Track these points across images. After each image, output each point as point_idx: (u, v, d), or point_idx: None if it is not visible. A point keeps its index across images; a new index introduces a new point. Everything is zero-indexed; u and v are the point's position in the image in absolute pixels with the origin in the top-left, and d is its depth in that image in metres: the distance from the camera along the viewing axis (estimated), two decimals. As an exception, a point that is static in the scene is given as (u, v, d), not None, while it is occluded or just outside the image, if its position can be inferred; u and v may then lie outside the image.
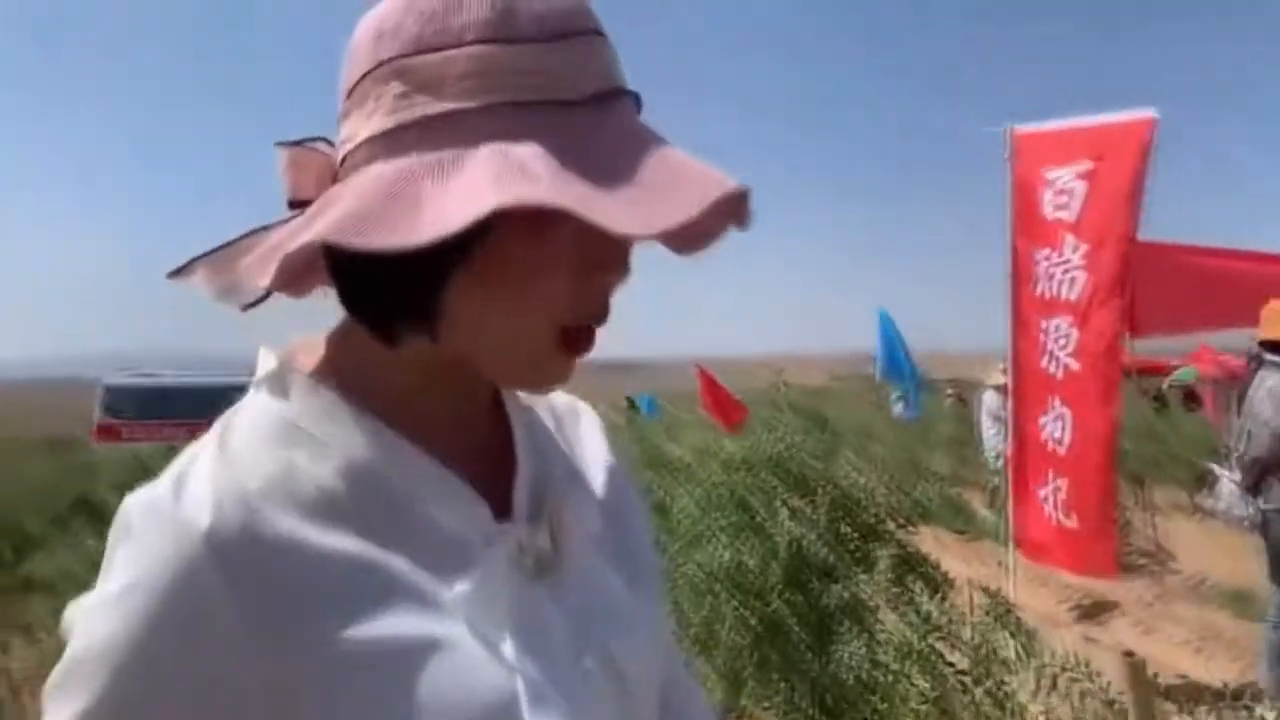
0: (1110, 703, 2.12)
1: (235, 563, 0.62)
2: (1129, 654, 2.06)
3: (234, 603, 0.61)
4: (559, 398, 0.92)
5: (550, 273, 0.67)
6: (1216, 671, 5.47)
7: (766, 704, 3.96)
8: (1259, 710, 2.40)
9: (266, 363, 0.74)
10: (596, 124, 0.65)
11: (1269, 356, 4.73)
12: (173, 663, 0.61)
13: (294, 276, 0.70)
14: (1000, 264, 5.63)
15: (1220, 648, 5.89)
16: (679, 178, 0.63)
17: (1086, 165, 5.22)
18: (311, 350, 0.76)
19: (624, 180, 0.62)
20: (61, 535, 8.09)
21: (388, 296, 0.68)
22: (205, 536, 0.61)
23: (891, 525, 3.99)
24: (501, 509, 0.73)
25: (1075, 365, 5.28)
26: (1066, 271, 5.30)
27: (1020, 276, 5.49)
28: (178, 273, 0.73)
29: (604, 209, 0.59)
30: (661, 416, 17.73)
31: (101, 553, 0.66)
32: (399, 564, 0.67)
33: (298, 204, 0.71)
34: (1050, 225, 5.36)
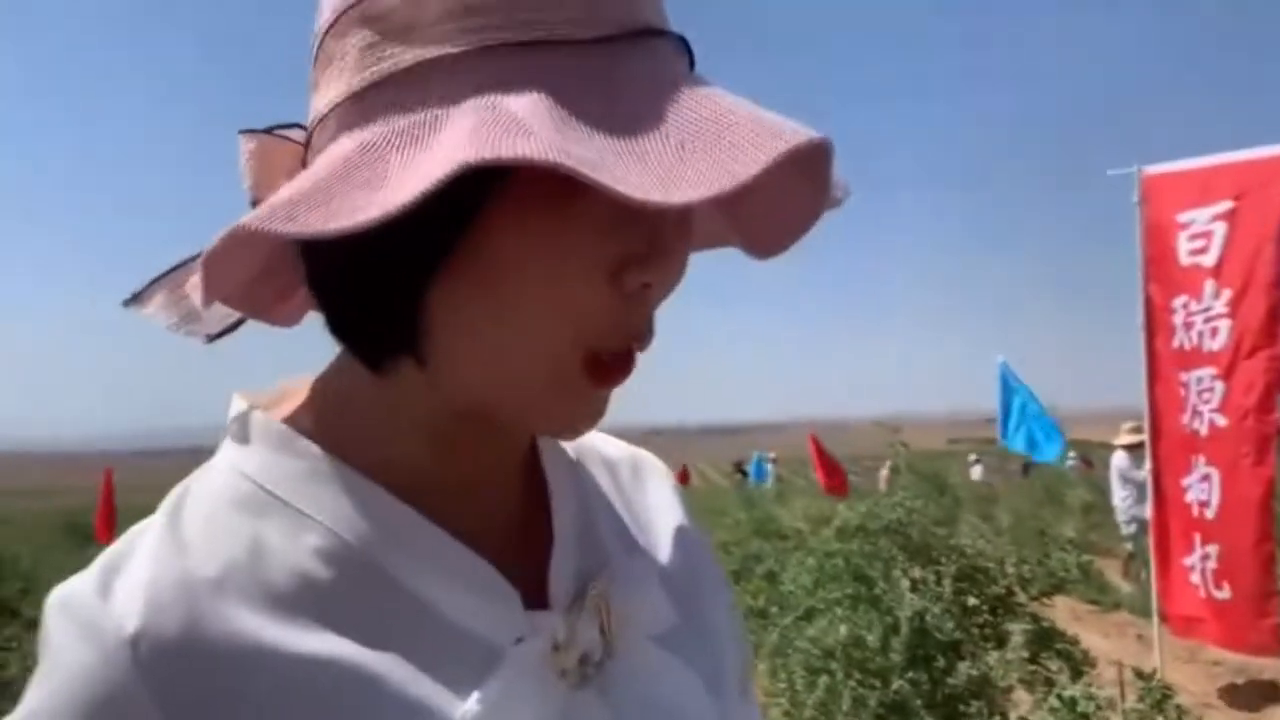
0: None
1: (168, 678, 0.47)
2: None
3: None
4: (615, 448, 0.73)
5: (563, 273, 0.49)
6: None
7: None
8: None
9: (237, 410, 0.58)
10: (618, 68, 0.48)
11: None
12: None
13: (248, 282, 0.55)
14: (1120, 317, 5.29)
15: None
16: (726, 131, 0.45)
17: (1226, 205, 4.87)
18: (294, 400, 0.60)
19: (647, 134, 0.45)
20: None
21: (361, 307, 0.53)
22: (130, 644, 0.47)
23: (1023, 597, 3.66)
24: (536, 595, 0.56)
25: (1222, 421, 4.88)
26: (1208, 320, 4.93)
27: (1155, 327, 5.12)
28: (133, 300, 0.59)
29: (620, 171, 0.42)
30: (772, 482, 17.42)
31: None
32: (398, 671, 0.50)
33: (257, 203, 0.56)
34: (1188, 271, 5.00)
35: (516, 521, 0.61)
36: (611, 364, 0.52)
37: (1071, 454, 22.62)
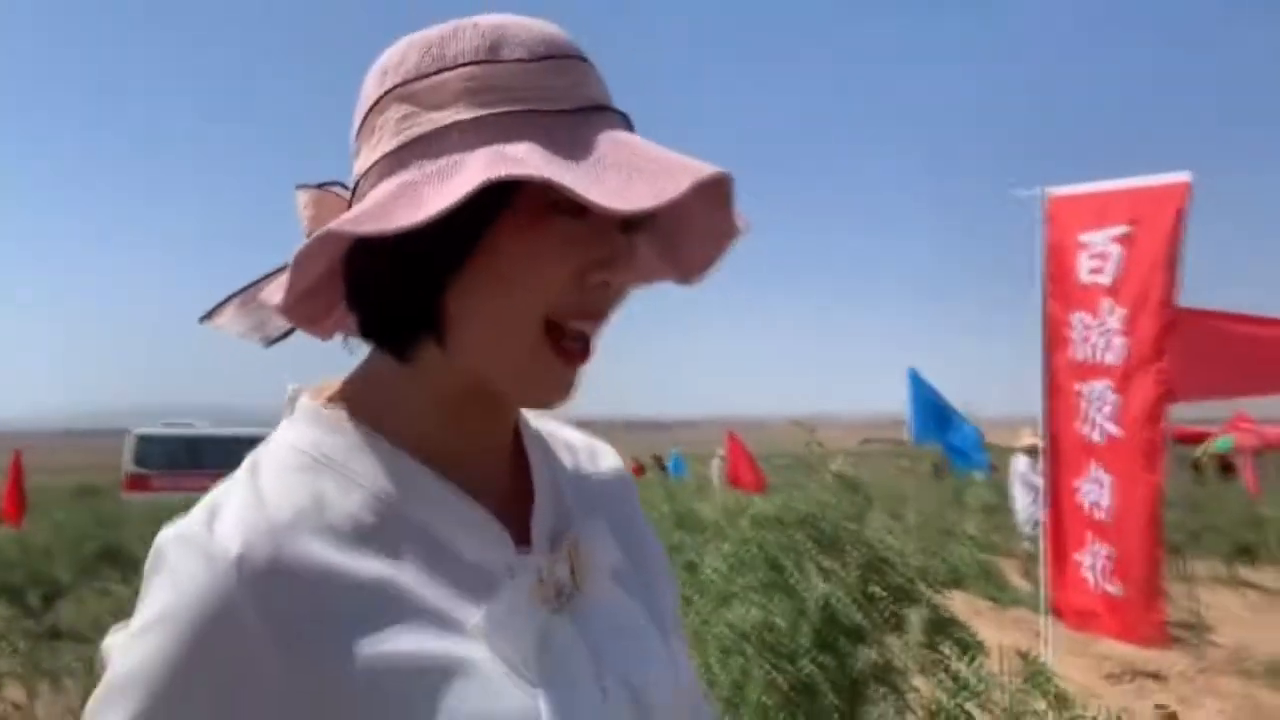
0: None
1: (264, 589, 0.63)
2: (1161, 707, 2.01)
3: (263, 627, 0.62)
4: (578, 437, 0.93)
5: (541, 267, 0.69)
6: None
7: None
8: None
9: (293, 401, 0.76)
10: (583, 127, 0.67)
11: None
12: (205, 683, 0.62)
13: (309, 296, 0.73)
14: (1031, 329, 5.59)
15: (1265, 724, 5.72)
16: (660, 164, 0.65)
17: (1123, 230, 5.21)
18: (335, 390, 0.78)
19: (607, 167, 0.64)
20: (90, 583, 8.13)
21: (395, 301, 0.71)
22: (235, 565, 0.63)
23: (923, 587, 3.91)
24: (521, 540, 0.75)
25: (1116, 431, 5.21)
26: (1104, 336, 5.27)
27: (1054, 341, 5.45)
28: (208, 316, 0.76)
29: (586, 185, 0.61)
30: (689, 475, 17.67)
31: (129, 601, 0.67)
32: (424, 590, 0.68)
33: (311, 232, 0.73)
34: (1087, 289, 5.33)
35: (506, 485, 0.79)
36: (573, 345, 0.72)
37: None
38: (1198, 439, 22.95)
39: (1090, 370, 5.28)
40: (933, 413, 9.73)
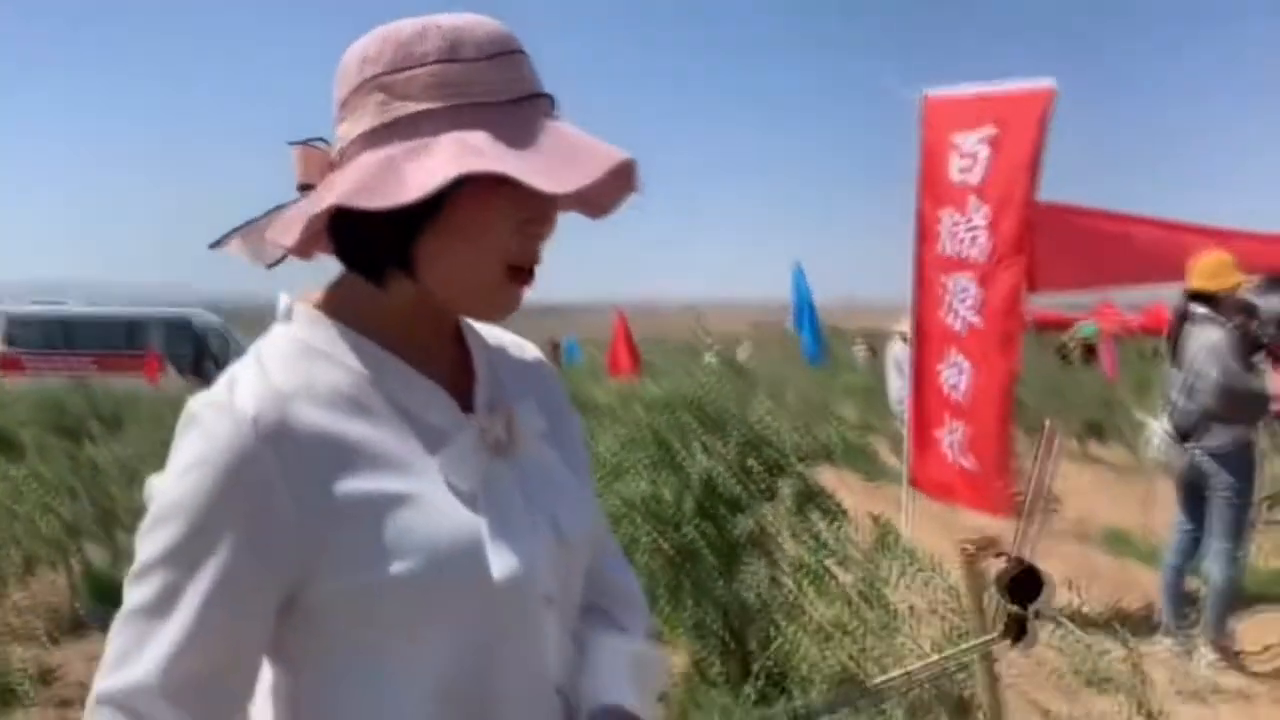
0: (951, 589, 2.47)
1: (274, 440, 0.88)
2: (966, 548, 2.41)
3: (275, 467, 0.88)
4: (508, 336, 1.20)
5: (495, 226, 0.94)
6: (1088, 603, 6.00)
7: (679, 625, 4.30)
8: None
9: (286, 305, 1.01)
10: (524, 117, 0.92)
11: (1198, 309, 5.08)
12: (235, 508, 0.87)
13: (309, 238, 0.96)
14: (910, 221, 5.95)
15: (1094, 583, 6.42)
16: (583, 153, 0.90)
17: (991, 131, 5.57)
18: (320, 299, 1.02)
19: (544, 155, 0.89)
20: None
21: (379, 248, 0.95)
22: (253, 423, 0.88)
23: (796, 462, 4.32)
24: (466, 409, 1.02)
25: (977, 320, 5.67)
26: (970, 232, 5.67)
27: (925, 235, 5.84)
28: (217, 244, 1.00)
29: (531, 175, 0.86)
30: (584, 360, 17.96)
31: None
32: (391, 444, 0.95)
33: (304, 187, 0.97)
34: (956, 188, 5.71)
35: (453, 370, 1.05)
36: (523, 274, 0.98)
37: (860, 341, 24.35)
38: (1066, 325, 24.32)
39: (956, 265, 5.70)
40: (805, 308, 10.24)
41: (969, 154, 5.64)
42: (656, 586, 4.31)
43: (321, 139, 0.98)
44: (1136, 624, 5.46)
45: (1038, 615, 0.99)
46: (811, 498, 4.28)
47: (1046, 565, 6.82)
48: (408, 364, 0.98)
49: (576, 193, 0.92)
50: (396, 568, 0.89)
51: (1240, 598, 5.03)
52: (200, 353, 24.20)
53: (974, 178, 5.63)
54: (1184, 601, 5.25)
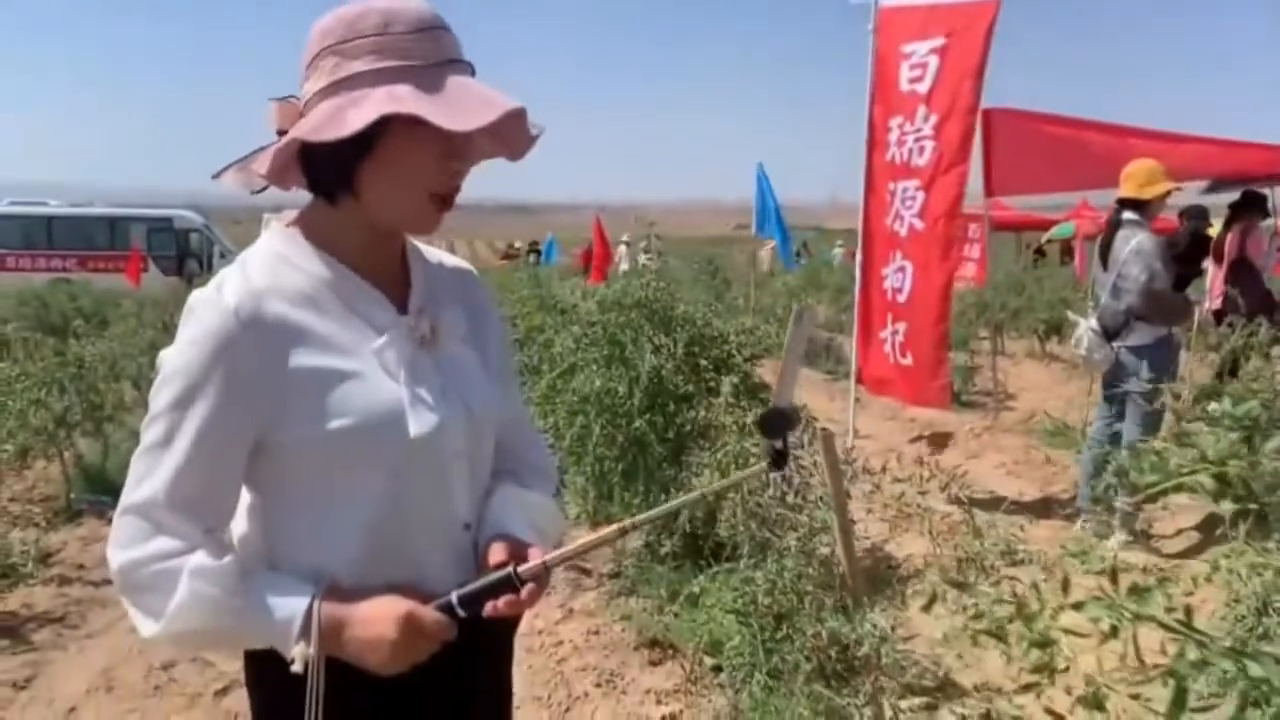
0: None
1: (250, 325, 1.20)
2: (826, 430, 2.74)
3: (249, 344, 1.19)
4: (447, 256, 1.50)
5: (415, 158, 1.23)
6: (1025, 489, 6.42)
7: (632, 508, 4.66)
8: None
9: (269, 224, 1.32)
10: (442, 76, 1.20)
11: (1127, 215, 5.34)
12: (217, 371, 1.19)
13: (281, 169, 1.25)
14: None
15: (1031, 470, 6.84)
16: (482, 101, 1.19)
17: (939, 41, 5.74)
18: (294, 219, 1.33)
19: (451, 103, 1.17)
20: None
21: (330, 174, 1.25)
22: (234, 313, 1.20)
23: (740, 359, 4.63)
24: (403, 312, 1.33)
25: (920, 225, 5.92)
26: (918, 140, 5.88)
27: (874, 143, 6.05)
28: (217, 175, 1.29)
29: (438, 116, 1.15)
30: (559, 262, 18.16)
31: None
32: (339, 332, 1.26)
33: (281, 133, 1.26)
34: (905, 96, 5.90)
35: (396, 279, 1.35)
36: (442, 200, 1.27)
37: (840, 243, 24.57)
38: (1046, 226, 24.54)
39: (903, 171, 5.93)
40: (770, 209, 10.45)
41: (919, 64, 5.82)
42: (611, 473, 4.66)
43: (294, 96, 1.26)
44: (1064, 507, 5.88)
45: (786, 445, 1.32)
46: (753, 392, 4.61)
47: (993, 456, 7.19)
48: (357, 273, 1.29)
49: (491, 136, 1.25)
50: (336, 424, 1.21)
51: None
52: (182, 252, 24.26)
53: (923, 87, 5.82)
54: (1105, 488, 5.64)
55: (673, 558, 4.33)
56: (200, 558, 1.18)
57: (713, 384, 4.74)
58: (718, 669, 3.45)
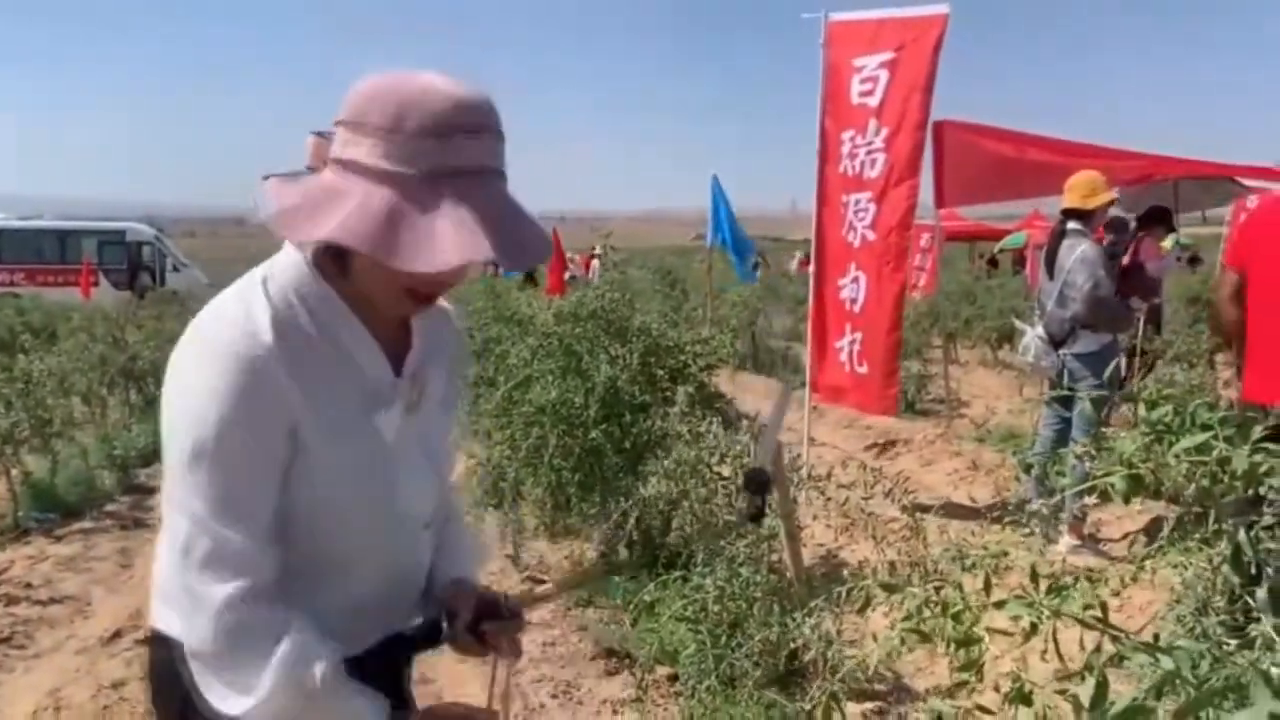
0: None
1: (269, 377, 1.16)
2: (780, 445, 2.79)
3: (270, 396, 1.16)
4: (443, 307, 1.46)
5: (386, 272, 1.15)
6: (977, 494, 6.51)
7: (587, 518, 4.69)
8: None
9: (295, 254, 1.27)
10: (436, 194, 1.10)
11: (1071, 224, 5.46)
12: (252, 423, 1.16)
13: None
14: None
15: (982, 476, 6.94)
16: (462, 238, 1.08)
17: (889, 55, 5.82)
18: (320, 251, 1.26)
19: (424, 237, 1.09)
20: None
21: (329, 254, 1.22)
22: (253, 363, 1.15)
23: (695, 369, 4.68)
24: (398, 370, 1.32)
25: (872, 236, 5.99)
26: (870, 153, 5.96)
27: (827, 155, 6.12)
28: (267, 178, 1.23)
29: (399, 252, 1.08)
30: (519, 274, 18.12)
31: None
32: (341, 391, 1.25)
33: (311, 168, 1.26)
34: (856, 109, 5.97)
35: (397, 334, 1.33)
36: (426, 298, 1.25)
37: (798, 253, 24.77)
38: (998, 236, 24.92)
39: (855, 183, 6.00)
40: (725, 220, 10.56)
41: (869, 77, 5.90)
42: (568, 484, 4.69)
43: (330, 132, 1.20)
44: (1014, 512, 5.95)
45: (765, 502, 1.41)
46: (709, 401, 4.66)
47: (946, 462, 7.28)
48: (365, 324, 1.26)
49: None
50: (331, 493, 1.23)
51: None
52: (135, 265, 23.93)
53: (873, 100, 5.89)
54: (1049, 491, 5.75)
55: (628, 567, 4.36)
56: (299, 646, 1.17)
57: (669, 394, 4.79)
58: (673, 678, 3.47)
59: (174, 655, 1.25)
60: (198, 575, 1.15)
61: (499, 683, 1.38)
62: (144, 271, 23.85)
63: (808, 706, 2.73)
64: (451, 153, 1.11)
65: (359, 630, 1.36)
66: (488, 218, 1.10)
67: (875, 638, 3.28)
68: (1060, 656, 1.14)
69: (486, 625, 1.39)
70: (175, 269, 24.36)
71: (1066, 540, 5.33)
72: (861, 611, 1.27)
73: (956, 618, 1.17)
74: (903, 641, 1.21)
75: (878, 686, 3.37)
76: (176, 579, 1.18)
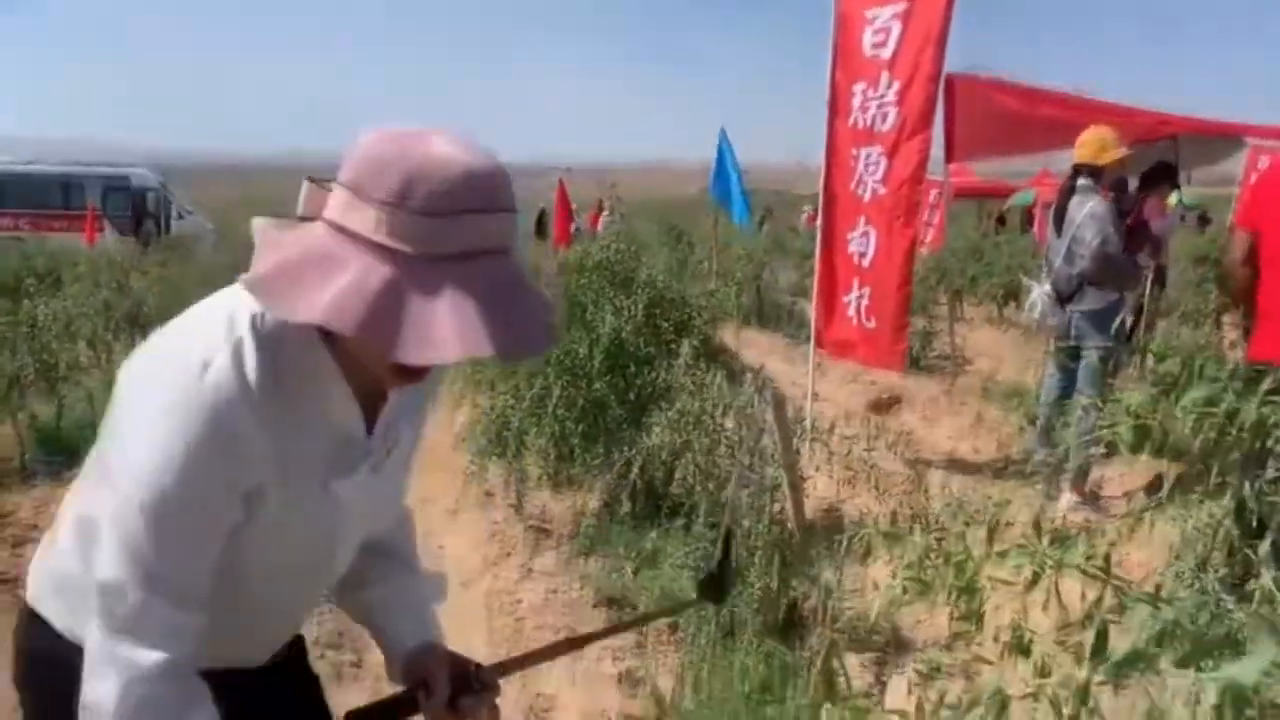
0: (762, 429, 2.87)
1: (240, 423, 1.09)
2: (777, 390, 2.79)
3: (240, 442, 1.10)
4: None
5: (368, 356, 1.12)
6: (981, 450, 6.54)
7: (591, 470, 4.70)
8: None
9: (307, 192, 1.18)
10: (438, 277, 1.01)
11: (1082, 180, 5.42)
12: (212, 473, 1.10)
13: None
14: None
15: (986, 433, 6.95)
16: (450, 332, 1.00)
17: (902, 6, 5.73)
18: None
19: (416, 325, 1.00)
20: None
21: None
22: (224, 406, 1.08)
23: (700, 322, 4.67)
24: (370, 427, 1.27)
25: (883, 190, 5.94)
26: (881, 106, 5.89)
27: (837, 108, 6.06)
28: (312, 180, 1.16)
29: (382, 343, 1.00)
30: (520, 225, 18.04)
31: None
32: (314, 443, 1.20)
33: (303, 217, 1.13)
34: (868, 62, 5.89)
35: (376, 395, 1.26)
36: (414, 374, 1.15)
37: (807, 207, 24.60)
38: (1007, 193, 24.73)
39: (866, 137, 5.95)
40: (731, 171, 10.49)
41: (881, 29, 5.82)
42: (571, 435, 4.70)
43: (330, 183, 1.10)
44: (1018, 468, 5.99)
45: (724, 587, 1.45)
46: (713, 354, 4.66)
47: (950, 419, 7.30)
48: (347, 378, 1.19)
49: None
50: (268, 555, 1.21)
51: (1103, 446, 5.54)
52: (139, 212, 23.82)
53: (885, 52, 5.81)
54: (1053, 447, 5.75)
55: (631, 517, 4.38)
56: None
57: (673, 346, 4.79)
58: (674, 627, 3.51)
59: (57, 648, 1.25)
60: (121, 632, 1.10)
61: None
62: (149, 218, 23.77)
63: (807, 655, 2.76)
64: (459, 233, 1.02)
65: (266, 643, 1.40)
66: (491, 306, 1.02)
67: (876, 586, 3.32)
68: (1062, 606, 1.15)
69: (463, 700, 1.37)
70: (180, 216, 24.25)
71: (1068, 497, 5.34)
72: (864, 560, 1.28)
73: (959, 567, 1.18)
74: (904, 591, 1.22)
75: (876, 638, 3.40)
76: (94, 608, 1.12)
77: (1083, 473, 5.37)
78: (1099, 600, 1.10)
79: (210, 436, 1.07)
